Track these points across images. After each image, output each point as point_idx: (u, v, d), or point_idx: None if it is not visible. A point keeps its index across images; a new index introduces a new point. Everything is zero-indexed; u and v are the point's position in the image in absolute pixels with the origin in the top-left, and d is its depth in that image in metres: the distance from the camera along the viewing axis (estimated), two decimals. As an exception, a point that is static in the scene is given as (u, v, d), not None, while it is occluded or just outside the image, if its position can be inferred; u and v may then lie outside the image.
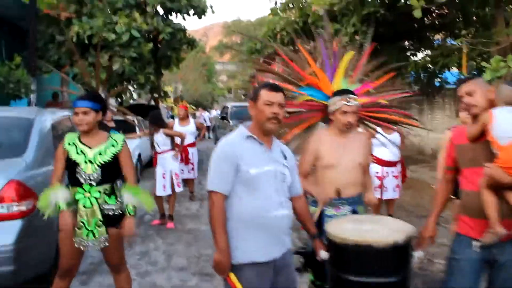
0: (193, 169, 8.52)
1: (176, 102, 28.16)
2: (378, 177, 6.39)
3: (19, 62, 9.19)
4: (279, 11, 14.25)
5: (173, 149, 6.80)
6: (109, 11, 10.88)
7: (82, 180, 3.22)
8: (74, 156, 3.24)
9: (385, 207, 6.58)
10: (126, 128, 9.06)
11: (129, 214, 3.25)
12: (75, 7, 10.98)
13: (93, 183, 3.22)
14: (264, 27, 13.46)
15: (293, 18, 12.98)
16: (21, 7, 10.23)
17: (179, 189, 6.82)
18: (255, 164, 2.48)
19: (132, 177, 3.37)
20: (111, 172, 3.29)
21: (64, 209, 3.13)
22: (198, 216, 7.45)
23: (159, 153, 6.77)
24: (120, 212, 3.30)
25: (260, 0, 77.56)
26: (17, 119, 4.55)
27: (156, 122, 6.77)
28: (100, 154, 3.28)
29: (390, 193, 6.45)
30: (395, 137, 6.38)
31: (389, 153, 6.34)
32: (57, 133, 4.78)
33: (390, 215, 6.57)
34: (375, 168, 6.30)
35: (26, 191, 3.69)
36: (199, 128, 9.20)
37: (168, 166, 6.72)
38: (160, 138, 6.71)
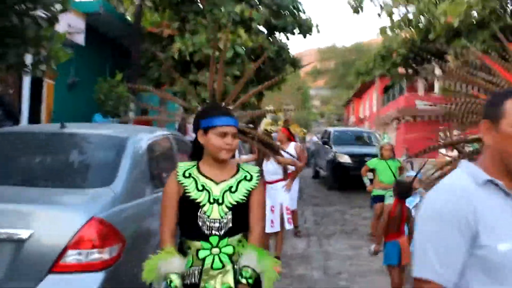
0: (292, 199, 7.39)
1: (286, 125, 27.49)
2: None
3: (120, 78, 8.81)
4: (388, 31, 12.98)
5: (284, 178, 5.76)
6: (213, 28, 10.27)
7: (205, 229, 2.23)
8: (194, 194, 2.26)
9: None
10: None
11: (247, 282, 2.19)
12: (178, 24, 10.53)
13: (222, 232, 2.23)
14: (374, 49, 12.18)
15: (408, 36, 11.65)
16: (126, 26, 9.98)
17: (289, 226, 5.74)
18: (507, 234, 1.32)
19: (260, 230, 2.33)
20: (245, 217, 2.30)
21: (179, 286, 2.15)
22: (307, 257, 6.35)
23: (269, 182, 5.77)
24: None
25: (356, 27, 76.23)
26: (107, 138, 3.73)
27: (269, 147, 5.79)
28: (230, 191, 2.29)
29: None
30: None
31: None
32: (154, 157, 3.92)
33: None
34: None
35: (111, 233, 2.77)
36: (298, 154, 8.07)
37: (278, 199, 5.69)
38: (271, 165, 5.72)
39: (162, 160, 4.23)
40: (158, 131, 4.54)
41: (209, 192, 2.26)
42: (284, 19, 11.98)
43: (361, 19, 79.01)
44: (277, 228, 5.68)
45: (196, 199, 2.24)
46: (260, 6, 11.49)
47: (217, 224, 2.21)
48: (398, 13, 12.51)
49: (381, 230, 4.75)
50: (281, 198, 5.70)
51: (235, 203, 2.26)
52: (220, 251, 2.22)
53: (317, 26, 12.88)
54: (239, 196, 2.28)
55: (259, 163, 5.87)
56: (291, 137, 6.89)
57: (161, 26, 10.41)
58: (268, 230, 5.67)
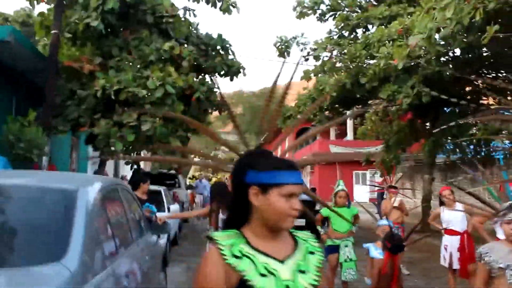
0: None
1: (215, 172, 26.59)
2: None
3: (33, 118, 7.60)
4: (312, 75, 12.99)
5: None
6: (139, 65, 9.42)
7: None
8: (257, 282, 1.57)
9: None
10: (154, 199, 7.36)
11: None
12: (100, 59, 9.54)
13: None
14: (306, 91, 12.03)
15: (338, 80, 11.66)
16: (40, 59, 8.81)
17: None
18: None
19: None
20: None
21: None
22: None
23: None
24: None
25: (262, 72, 78.65)
26: (48, 191, 2.77)
27: (221, 199, 5.04)
28: (301, 271, 1.65)
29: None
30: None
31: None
32: (110, 215, 3.03)
33: None
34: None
35: None
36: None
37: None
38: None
39: (117, 219, 3.31)
40: (106, 179, 3.63)
41: (275, 277, 1.58)
42: (212, 60, 11.45)
43: (267, 64, 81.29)
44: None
45: None
46: (186, 45, 10.87)
47: None
48: (323, 57, 12.58)
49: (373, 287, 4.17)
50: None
51: (313, 286, 1.64)
52: None
53: (243, 69, 12.52)
54: (312, 277, 1.66)
55: (214, 215, 5.08)
56: None
57: (81, 61, 9.34)
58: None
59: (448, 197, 6.66)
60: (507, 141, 14.18)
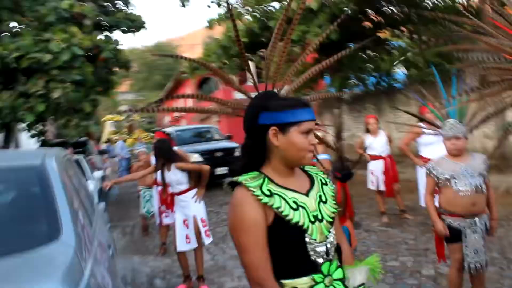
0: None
1: (131, 132, 25.45)
2: None
3: None
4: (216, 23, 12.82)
5: (192, 187, 5.00)
6: (37, 28, 8.65)
7: (316, 257, 1.67)
8: (292, 215, 1.64)
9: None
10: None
11: None
12: (-10, 25, 8.63)
13: (331, 256, 1.72)
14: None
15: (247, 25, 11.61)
16: None
17: (208, 239, 5.01)
18: None
19: (346, 241, 1.96)
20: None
21: None
22: (223, 267, 5.68)
23: (176, 194, 4.97)
24: None
25: (154, 26, 75.82)
26: (15, 170, 2.56)
27: (167, 155, 4.95)
28: (322, 201, 1.76)
29: None
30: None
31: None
32: (77, 184, 2.90)
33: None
34: None
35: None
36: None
37: (191, 211, 4.93)
38: (173, 175, 4.91)
39: (78, 189, 3.17)
40: (52, 151, 3.42)
41: (305, 209, 1.68)
42: (113, 15, 10.82)
43: (160, 18, 78.33)
44: (194, 244, 4.93)
45: (298, 221, 1.64)
46: (84, 2, 10.14)
47: (323, 248, 1.69)
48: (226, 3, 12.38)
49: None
50: (194, 210, 4.94)
51: (333, 215, 1.77)
52: (333, 279, 1.71)
53: (144, 23, 12.01)
54: (332, 205, 1.78)
55: (160, 173, 5.01)
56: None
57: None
58: (184, 247, 4.91)
59: (373, 125, 7.14)
60: (404, 71, 15.33)
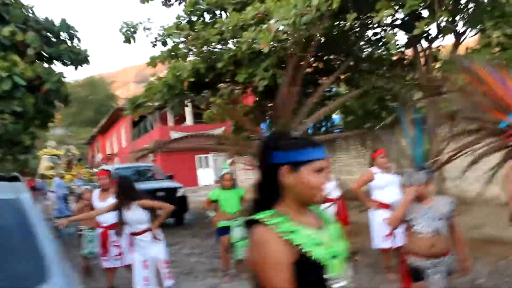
0: (120, 254, 6.17)
1: (68, 168, 23.73)
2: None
3: None
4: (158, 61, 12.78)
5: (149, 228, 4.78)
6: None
7: None
8: (312, 252, 1.64)
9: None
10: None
11: None
12: None
13: None
14: (167, 74, 11.74)
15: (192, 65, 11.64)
16: None
17: (169, 282, 4.78)
18: None
19: None
20: None
21: None
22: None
23: (135, 234, 4.73)
24: None
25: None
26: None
27: (129, 193, 4.74)
28: (335, 238, 1.78)
29: (398, 240, 5.64)
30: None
31: (395, 194, 5.82)
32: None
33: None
34: (382, 214, 5.76)
35: None
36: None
37: (151, 252, 4.70)
38: (133, 214, 4.69)
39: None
40: (15, 186, 3.17)
41: (323, 246, 1.70)
42: (56, 47, 10.46)
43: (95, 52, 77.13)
44: (153, 286, 4.68)
45: (319, 258, 1.65)
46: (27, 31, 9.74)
47: (341, 284, 1.70)
48: (174, 42, 12.43)
49: None
50: (154, 251, 4.73)
51: (346, 252, 1.81)
52: None
53: (88, 57, 11.72)
54: (343, 242, 1.83)
55: (119, 211, 4.76)
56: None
57: None
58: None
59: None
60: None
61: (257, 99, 14.80)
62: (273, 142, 1.77)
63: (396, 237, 5.93)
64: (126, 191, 4.74)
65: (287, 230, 1.63)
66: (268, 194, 1.75)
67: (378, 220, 6.02)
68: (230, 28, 9.81)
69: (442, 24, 8.01)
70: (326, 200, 7.31)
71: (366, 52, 13.08)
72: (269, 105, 14.21)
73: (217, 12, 12.65)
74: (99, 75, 75.56)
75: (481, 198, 9.30)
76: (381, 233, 5.98)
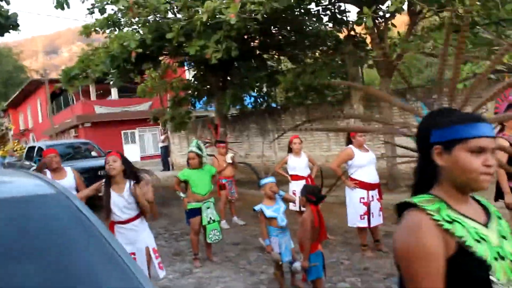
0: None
1: (2, 143, 21.03)
2: (365, 203, 5.94)
3: None
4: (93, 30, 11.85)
5: (140, 215, 4.32)
6: None
7: None
8: (475, 247, 1.42)
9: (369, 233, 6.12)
10: None
11: None
12: None
13: None
14: (111, 44, 10.83)
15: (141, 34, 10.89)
16: None
17: (162, 272, 4.37)
18: None
19: None
20: None
21: None
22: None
23: (122, 222, 4.23)
24: None
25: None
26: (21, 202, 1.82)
27: (133, 174, 4.21)
28: (504, 237, 1.52)
29: (377, 219, 6.00)
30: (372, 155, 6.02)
31: (373, 173, 6.06)
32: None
33: (377, 241, 6.17)
34: (359, 193, 5.91)
35: None
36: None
37: (141, 241, 4.25)
38: (121, 199, 4.18)
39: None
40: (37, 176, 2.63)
41: (487, 243, 1.45)
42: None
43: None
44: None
45: (482, 256, 1.42)
46: None
47: None
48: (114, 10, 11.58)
49: (308, 243, 4.19)
50: (145, 240, 4.28)
51: None
52: None
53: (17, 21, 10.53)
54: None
55: (105, 197, 4.23)
56: None
57: None
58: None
59: (297, 145, 7.12)
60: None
61: (200, 73, 14.30)
62: (431, 120, 1.58)
63: (373, 216, 5.98)
64: (132, 172, 4.21)
65: (447, 219, 1.42)
66: (425, 177, 1.57)
67: (355, 198, 6.00)
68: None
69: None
70: (296, 177, 7.18)
71: (312, 28, 13.02)
72: (218, 79, 13.77)
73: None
74: (4, 43, 69.60)
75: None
76: (358, 211, 5.98)
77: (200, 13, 8.67)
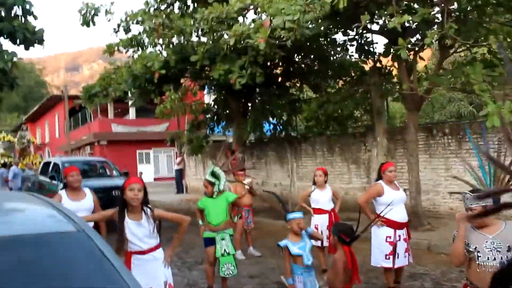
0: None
1: (21, 156, 20.88)
2: (391, 242, 5.57)
3: None
4: (117, 49, 11.80)
5: (160, 244, 4.04)
6: None
7: None
8: None
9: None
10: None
11: None
12: None
13: None
14: (135, 64, 10.74)
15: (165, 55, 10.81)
16: None
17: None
18: None
19: None
20: None
21: None
22: None
23: (141, 252, 3.94)
24: None
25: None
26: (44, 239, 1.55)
27: (145, 198, 3.94)
28: None
29: (402, 260, 5.60)
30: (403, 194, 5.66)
31: (402, 212, 5.72)
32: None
33: (397, 282, 5.81)
34: (386, 232, 5.56)
35: None
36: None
37: (161, 275, 3.95)
38: (143, 227, 3.90)
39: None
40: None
41: None
42: (9, 23, 9.23)
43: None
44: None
45: None
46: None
47: None
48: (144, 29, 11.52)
49: (340, 286, 3.85)
50: (165, 274, 3.98)
51: None
52: None
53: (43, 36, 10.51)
54: None
55: (119, 224, 3.95)
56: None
57: None
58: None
59: (320, 177, 6.82)
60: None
61: (221, 97, 14.15)
62: None
63: (399, 257, 5.61)
64: (147, 198, 3.94)
65: None
66: None
67: (381, 237, 5.65)
68: (210, 19, 9.09)
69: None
70: (319, 211, 6.85)
71: (336, 58, 12.85)
72: (239, 104, 13.59)
73: (189, 3, 11.88)
74: (28, 59, 70.98)
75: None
76: (383, 251, 5.62)
77: (227, 36, 8.51)
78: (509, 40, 7.74)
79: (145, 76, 10.28)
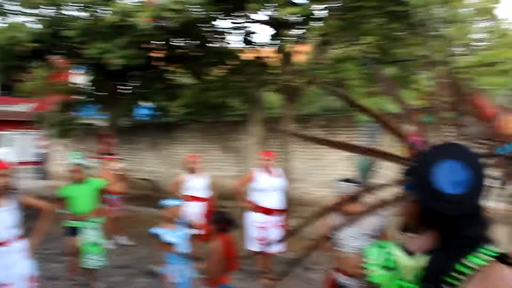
0: None
1: None
2: (260, 227, 5.75)
3: None
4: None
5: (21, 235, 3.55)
6: None
7: None
8: None
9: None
10: None
11: None
12: None
13: None
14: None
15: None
16: None
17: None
18: None
19: None
20: None
21: None
22: None
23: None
24: None
25: None
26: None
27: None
28: None
29: (273, 246, 5.60)
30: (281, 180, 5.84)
31: (273, 199, 5.85)
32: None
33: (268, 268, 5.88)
34: (255, 217, 5.76)
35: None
36: None
37: (18, 269, 3.47)
38: (4, 215, 3.39)
39: None
40: None
41: None
42: None
43: None
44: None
45: None
46: None
47: None
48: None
49: (217, 275, 3.74)
50: (25, 266, 3.52)
51: None
52: None
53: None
54: None
55: None
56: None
57: None
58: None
59: (195, 164, 6.71)
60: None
61: (96, 78, 13.20)
62: None
63: (269, 242, 5.70)
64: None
65: None
66: None
67: (250, 222, 5.81)
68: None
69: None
70: (192, 198, 6.69)
71: (216, 45, 12.71)
72: (116, 87, 12.80)
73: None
74: None
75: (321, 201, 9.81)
76: (254, 235, 5.76)
77: (112, 13, 7.87)
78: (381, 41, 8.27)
79: (9, 49, 9.13)
